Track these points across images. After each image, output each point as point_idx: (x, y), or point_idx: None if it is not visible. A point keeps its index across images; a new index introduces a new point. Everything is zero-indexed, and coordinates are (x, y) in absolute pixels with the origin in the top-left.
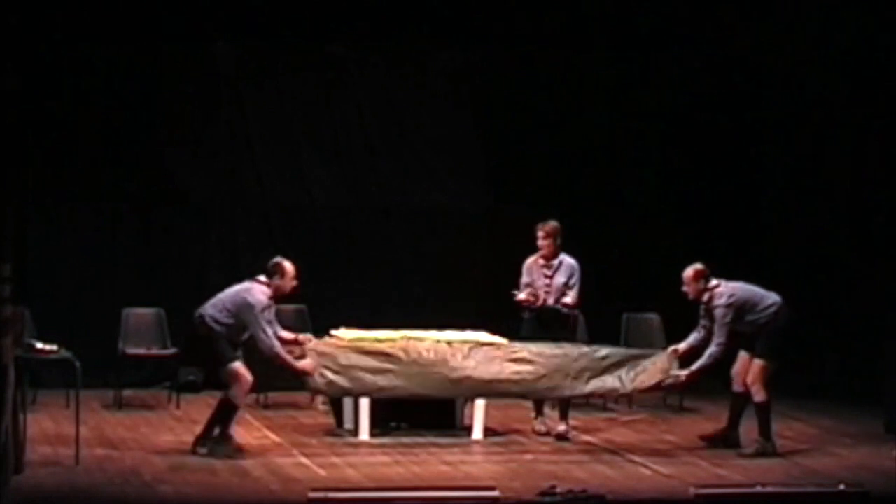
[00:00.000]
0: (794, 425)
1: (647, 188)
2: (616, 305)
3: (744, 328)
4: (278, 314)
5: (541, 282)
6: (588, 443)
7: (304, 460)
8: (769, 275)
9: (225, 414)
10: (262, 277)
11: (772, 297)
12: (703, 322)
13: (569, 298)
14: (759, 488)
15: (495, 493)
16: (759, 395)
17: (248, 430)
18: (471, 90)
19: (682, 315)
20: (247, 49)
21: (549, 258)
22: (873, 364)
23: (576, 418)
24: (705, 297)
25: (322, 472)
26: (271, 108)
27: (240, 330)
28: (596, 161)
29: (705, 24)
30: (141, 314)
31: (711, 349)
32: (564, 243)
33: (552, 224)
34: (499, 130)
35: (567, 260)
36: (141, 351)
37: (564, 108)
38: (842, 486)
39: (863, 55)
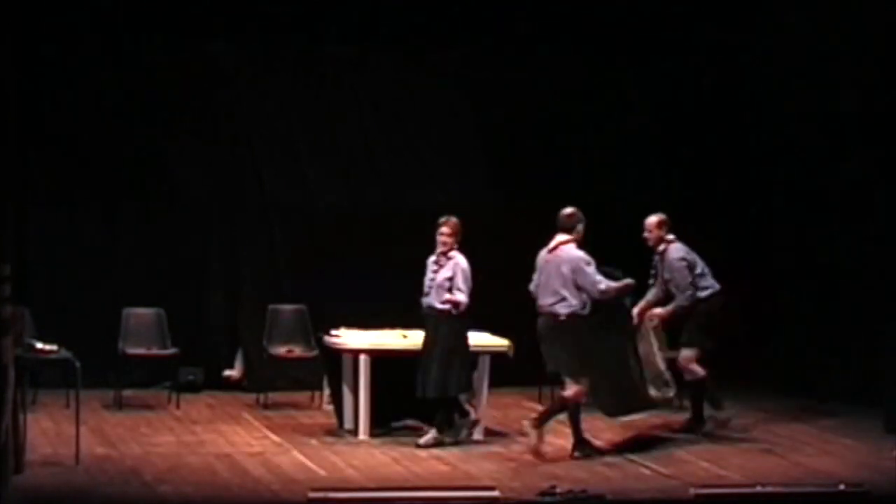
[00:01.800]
0: (794, 425)
1: (648, 188)
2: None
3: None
4: (277, 314)
5: (426, 277)
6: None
7: (304, 460)
8: (770, 275)
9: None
10: (562, 236)
11: (711, 280)
12: (653, 274)
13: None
14: (759, 488)
15: (495, 493)
16: (694, 375)
17: (248, 430)
18: (471, 90)
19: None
20: (247, 49)
21: (443, 255)
22: (873, 364)
23: None
24: (661, 246)
25: (322, 472)
26: (271, 108)
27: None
28: (597, 161)
29: (708, 23)
30: (141, 314)
31: (681, 295)
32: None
33: (455, 220)
34: (499, 130)
35: (457, 258)
36: (141, 351)
37: (565, 107)
38: (842, 486)
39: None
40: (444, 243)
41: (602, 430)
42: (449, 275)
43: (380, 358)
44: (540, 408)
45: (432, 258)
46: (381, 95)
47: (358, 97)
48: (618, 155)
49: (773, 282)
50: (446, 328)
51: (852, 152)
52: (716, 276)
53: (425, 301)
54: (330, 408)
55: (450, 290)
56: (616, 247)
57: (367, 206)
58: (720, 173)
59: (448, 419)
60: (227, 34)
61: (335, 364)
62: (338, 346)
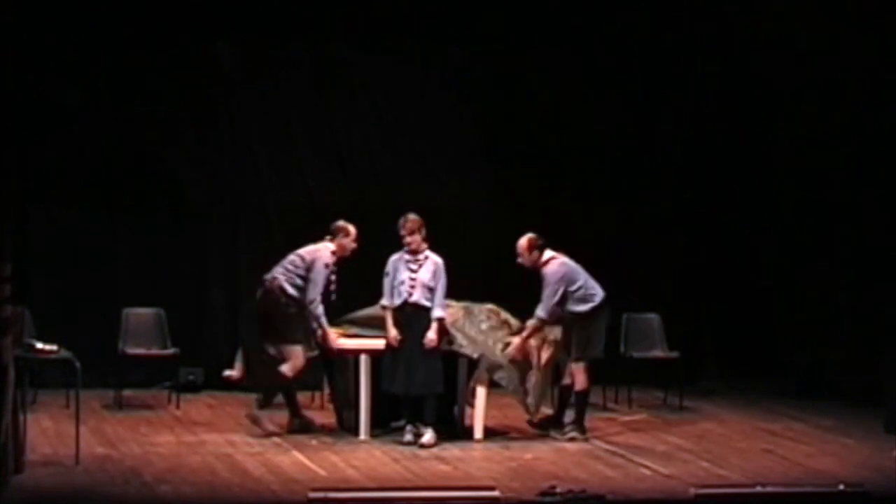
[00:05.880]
0: (794, 425)
1: (648, 188)
2: (616, 305)
3: (565, 312)
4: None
5: (404, 275)
6: (588, 443)
7: (304, 460)
8: (768, 275)
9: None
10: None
11: (598, 290)
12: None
13: (438, 311)
14: (759, 488)
15: (495, 493)
16: (580, 384)
17: (248, 431)
18: (471, 89)
19: (682, 315)
20: (247, 49)
21: (416, 252)
22: (873, 364)
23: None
24: (543, 270)
25: (322, 472)
26: (271, 108)
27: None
28: (597, 161)
29: (707, 24)
30: (141, 314)
31: (538, 311)
32: (566, 243)
33: (413, 218)
34: (500, 129)
35: (433, 256)
36: (141, 351)
37: (565, 107)
38: (842, 486)
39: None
40: (409, 242)
41: (603, 429)
42: (431, 285)
43: (380, 358)
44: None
45: (405, 257)
46: (381, 95)
47: (358, 97)
48: (618, 155)
49: (773, 283)
50: (427, 324)
51: (853, 152)
52: (717, 277)
53: (406, 299)
54: (330, 407)
55: (432, 289)
56: (614, 245)
57: (367, 205)
58: (722, 174)
59: (437, 413)
60: (228, 35)
61: (335, 364)
62: (338, 346)
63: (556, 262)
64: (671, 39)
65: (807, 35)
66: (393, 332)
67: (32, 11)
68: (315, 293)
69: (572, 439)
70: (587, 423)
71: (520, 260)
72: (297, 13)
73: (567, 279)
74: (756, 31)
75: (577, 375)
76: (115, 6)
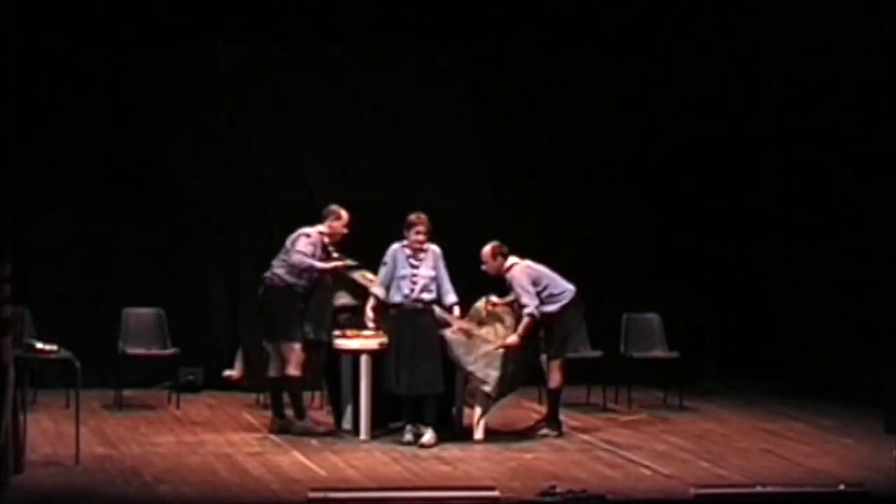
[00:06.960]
0: (794, 425)
1: (649, 188)
2: (616, 305)
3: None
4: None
5: (405, 271)
6: (588, 443)
7: (304, 460)
8: (768, 275)
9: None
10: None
11: (566, 288)
12: (512, 298)
13: (452, 296)
14: (759, 488)
15: (495, 493)
16: (555, 382)
17: (248, 431)
18: (471, 89)
19: (682, 315)
20: (247, 49)
21: (418, 251)
22: (873, 364)
23: (576, 418)
24: (507, 276)
25: (322, 472)
26: (271, 108)
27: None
28: (597, 161)
29: (707, 23)
30: (141, 314)
31: (527, 310)
32: (566, 243)
33: (425, 219)
34: (499, 129)
35: (430, 247)
36: (141, 351)
37: (565, 107)
38: (842, 486)
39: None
40: (421, 241)
41: (603, 429)
42: (433, 274)
43: (380, 358)
44: (539, 408)
45: (406, 252)
46: (381, 95)
47: (358, 97)
48: (619, 154)
49: (773, 283)
50: (431, 321)
51: (853, 151)
52: (717, 277)
53: (407, 294)
54: (328, 407)
55: (433, 279)
56: (614, 245)
57: (367, 205)
58: (723, 174)
59: (437, 413)
60: (228, 34)
61: (334, 364)
62: (338, 347)
63: (518, 267)
64: (671, 39)
65: (807, 35)
66: (371, 314)
67: (33, 11)
68: (298, 256)
69: (544, 436)
70: (587, 421)
71: (484, 268)
72: (297, 13)
73: (532, 280)
74: (756, 31)
75: (553, 373)
76: (114, 6)
